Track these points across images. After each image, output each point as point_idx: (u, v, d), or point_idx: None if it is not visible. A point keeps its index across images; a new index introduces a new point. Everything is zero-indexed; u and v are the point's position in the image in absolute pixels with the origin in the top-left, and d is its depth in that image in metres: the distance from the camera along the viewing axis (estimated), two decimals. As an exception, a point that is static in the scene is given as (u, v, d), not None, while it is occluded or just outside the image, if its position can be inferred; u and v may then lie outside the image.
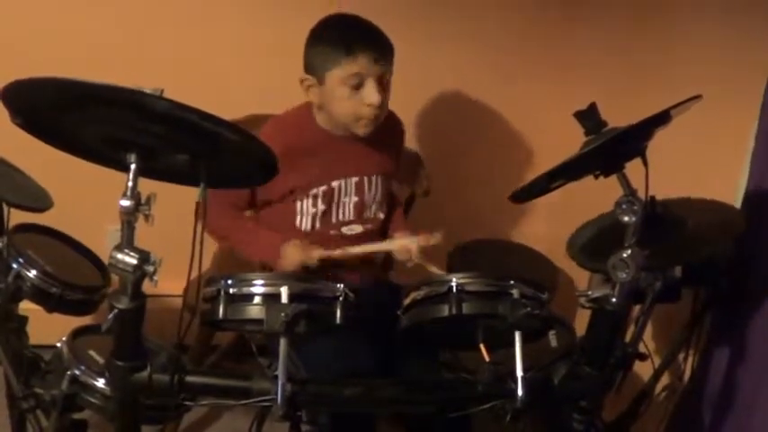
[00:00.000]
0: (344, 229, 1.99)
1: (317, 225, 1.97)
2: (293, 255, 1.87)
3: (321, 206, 1.96)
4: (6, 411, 1.87)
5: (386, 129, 2.04)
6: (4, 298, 1.71)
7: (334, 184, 1.96)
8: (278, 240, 1.90)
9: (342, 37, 1.87)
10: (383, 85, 1.88)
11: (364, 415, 1.78)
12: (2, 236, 1.75)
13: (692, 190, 1.90)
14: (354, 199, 1.99)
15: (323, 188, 1.95)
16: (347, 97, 1.86)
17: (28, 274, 1.71)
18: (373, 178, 2.02)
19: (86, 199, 2.18)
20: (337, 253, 1.87)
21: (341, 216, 1.99)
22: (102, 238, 2.06)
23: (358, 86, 1.85)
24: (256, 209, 2.02)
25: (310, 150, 1.94)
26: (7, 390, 1.80)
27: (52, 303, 1.74)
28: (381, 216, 2.06)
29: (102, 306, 1.72)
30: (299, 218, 1.96)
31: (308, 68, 1.91)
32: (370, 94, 1.85)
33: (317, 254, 1.86)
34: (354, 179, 1.99)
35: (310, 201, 1.95)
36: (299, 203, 1.95)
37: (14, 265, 1.71)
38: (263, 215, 2.04)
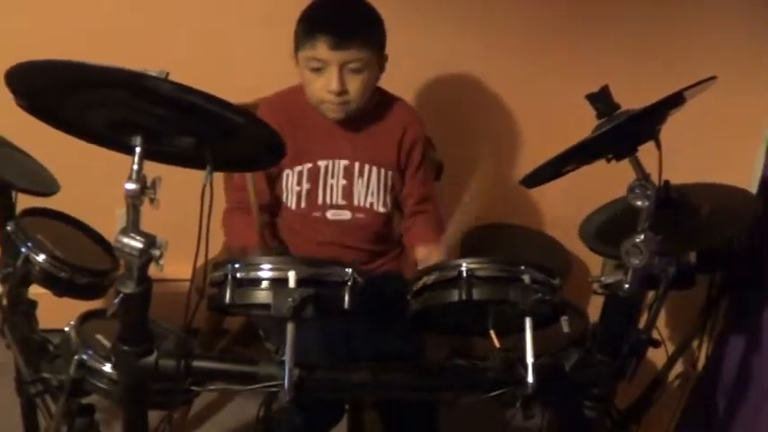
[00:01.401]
0: (330, 213, 1.97)
1: (303, 204, 1.96)
2: None
3: (306, 185, 1.95)
4: (16, 396, 1.87)
5: (392, 122, 2.01)
6: (14, 282, 1.71)
7: (321, 163, 1.95)
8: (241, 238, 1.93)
9: (307, 18, 1.86)
10: (352, 72, 1.84)
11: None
12: (10, 220, 1.75)
13: (707, 174, 1.88)
14: (342, 182, 1.97)
15: (308, 166, 1.94)
16: (310, 80, 1.86)
17: (37, 258, 1.71)
18: (366, 166, 1.98)
19: (96, 182, 2.17)
20: None
21: (327, 198, 1.97)
22: (111, 222, 2.05)
23: (319, 70, 1.84)
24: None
25: (298, 126, 1.93)
26: (17, 374, 1.80)
27: (61, 287, 1.74)
28: (381, 210, 2.01)
29: (112, 290, 1.72)
30: (285, 195, 1.97)
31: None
32: (329, 81, 1.83)
33: None
34: (344, 162, 1.96)
35: (296, 178, 1.95)
36: (284, 180, 1.95)
37: (23, 250, 1.71)
38: None
